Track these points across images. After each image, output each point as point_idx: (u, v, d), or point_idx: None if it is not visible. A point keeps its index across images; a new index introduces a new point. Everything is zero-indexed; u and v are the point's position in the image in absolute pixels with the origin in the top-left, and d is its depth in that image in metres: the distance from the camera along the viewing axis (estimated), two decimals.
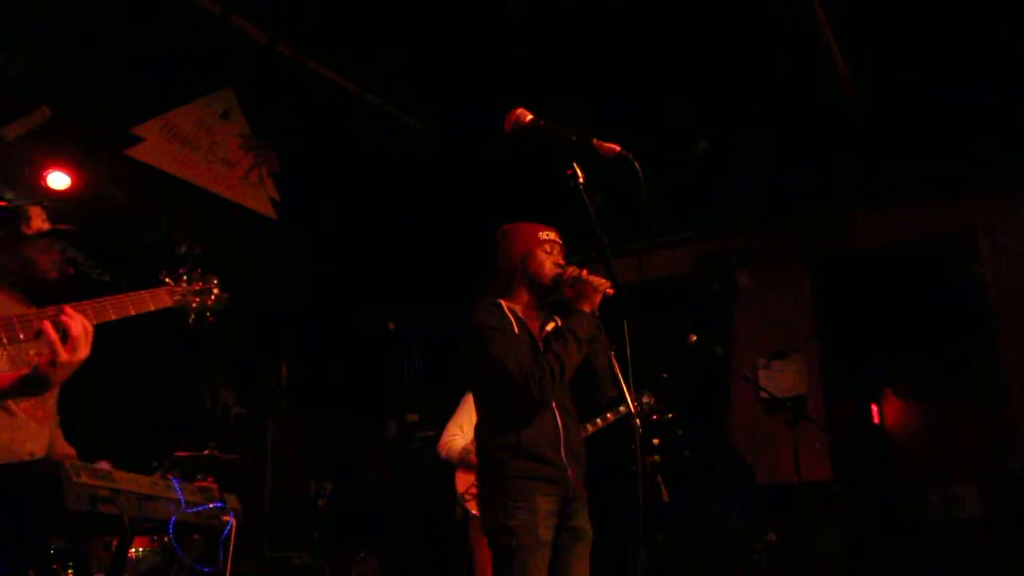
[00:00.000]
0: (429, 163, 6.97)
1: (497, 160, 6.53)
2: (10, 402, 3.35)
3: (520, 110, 2.74)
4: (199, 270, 2.75)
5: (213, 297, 2.74)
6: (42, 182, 5.95)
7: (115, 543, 3.51)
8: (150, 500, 2.95)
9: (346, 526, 7.15)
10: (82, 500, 2.60)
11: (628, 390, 3.15)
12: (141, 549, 4.23)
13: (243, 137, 6.71)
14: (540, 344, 3.45)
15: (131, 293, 2.41)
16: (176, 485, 3.11)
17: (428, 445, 6.39)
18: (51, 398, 3.63)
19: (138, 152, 6.14)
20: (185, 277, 2.69)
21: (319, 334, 7.48)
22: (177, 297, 2.60)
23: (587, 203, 2.43)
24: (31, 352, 2.33)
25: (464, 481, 5.36)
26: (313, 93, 6.46)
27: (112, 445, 3.64)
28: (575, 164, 2.49)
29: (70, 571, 3.33)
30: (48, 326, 2.09)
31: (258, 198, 6.89)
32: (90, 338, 2.17)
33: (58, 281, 3.59)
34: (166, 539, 4.28)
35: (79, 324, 2.13)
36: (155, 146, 6.23)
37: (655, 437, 5.46)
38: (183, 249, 6.57)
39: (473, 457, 4.81)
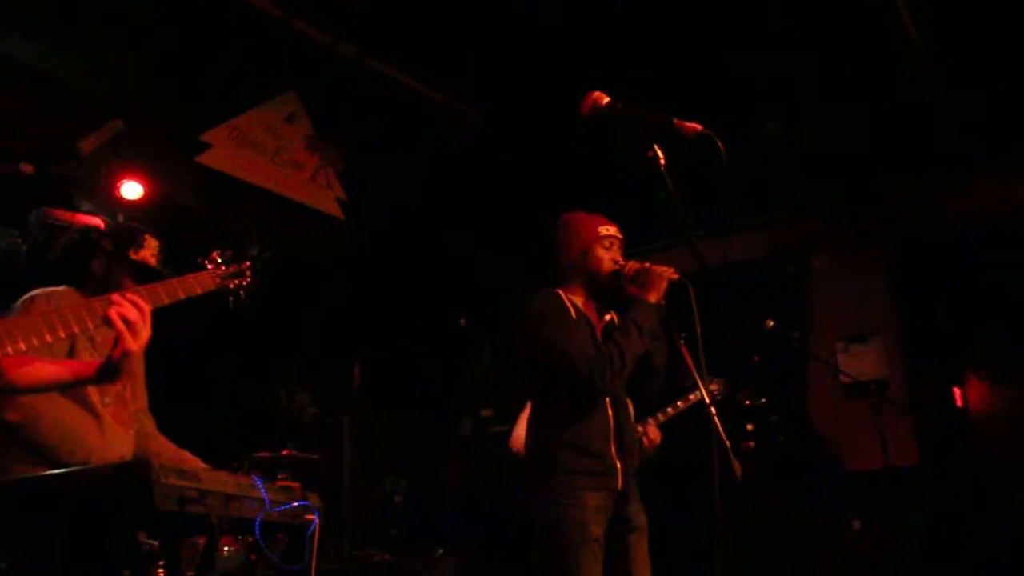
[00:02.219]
0: (493, 157, 6.94)
1: (562, 151, 6.48)
2: (98, 406, 3.43)
3: (597, 93, 2.69)
4: (230, 252, 2.82)
5: (247, 279, 2.82)
6: (116, 193, 6.08)
7: (201, 542, 3.56)
8: (236, 500, 2.96)
9: (423, 523, 7.17)
10: (171, 501, 2.62)
11: (700, 377, 3.09)
12: (227, 548, 4.28)
13: (308, 139, 6.78)
14: (599, 336, 3.41)
15: (178, 278, 2.52)
16: (260, 484, 3.12)
17: (502, 441, 6.37)
18: (134, 403, 3.70)
19: (208, 159, 6.23)
20: (221, 261, 2.77)
21: (391, 332, 7.52)
22: (217, 280, 2.70)
23: (670, 185, 2.38)
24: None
25: None
26: (375, 92, 6.48)
27: (192, 447, 3.69)
28: (656, 146, 2.44)
29: (160, 570, 3.38)
30: (113, 314, 2.22)
31: (325, 199, 6.95)
32: (148, 320, 2.30)
33: None
34: (250, 539, 4.35)
35: (134, 311, 2.26)
36: (224, 152, 6.32)
37: (749, 423, 5.38)
38: (254, 252, 6.67)
39: None
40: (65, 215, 5.87)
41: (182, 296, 2.45)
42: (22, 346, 2.04)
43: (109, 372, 2.30)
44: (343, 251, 7.30)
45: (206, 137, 6.24)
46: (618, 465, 3.28)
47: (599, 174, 6.22)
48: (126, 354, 2.25)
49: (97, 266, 3.62)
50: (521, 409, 5.50)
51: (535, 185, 6.76)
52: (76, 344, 3.31)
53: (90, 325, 2.21)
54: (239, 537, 4.23)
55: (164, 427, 3.90)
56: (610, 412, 3.33)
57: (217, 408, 6.62)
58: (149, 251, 3.65)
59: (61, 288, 3.58)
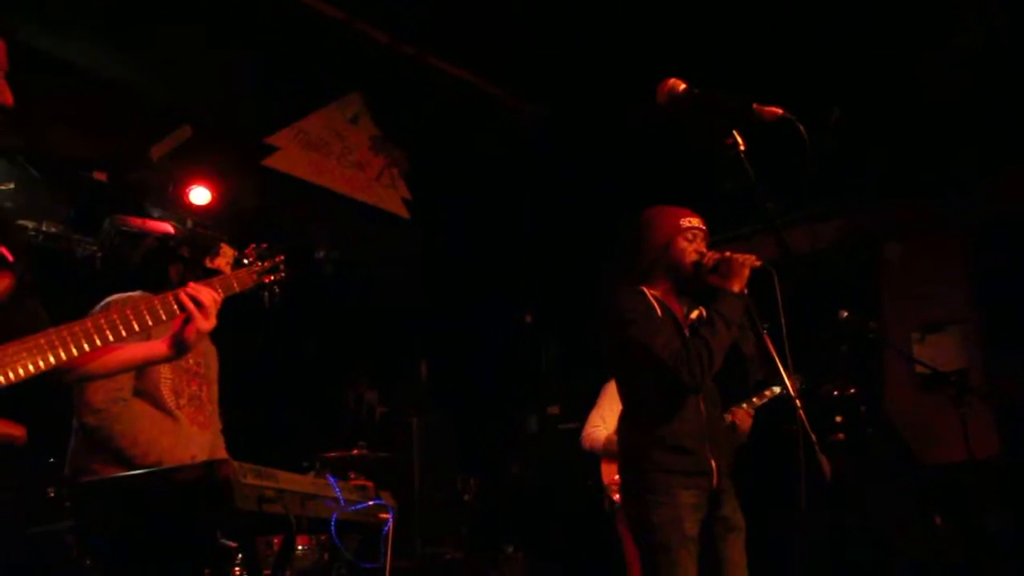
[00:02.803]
0: (558, 151, 6.91)
1: (630, 142, 6.41)
2: (174, 408, 3.48)
3: (673, 80, 2.62)
4: (266, 246, 2.79)
5: (281, 275, 2.78)
6: (185, 198, 6.18)
7: (277, 541, 3.60)
8: (312, 499, 2.98)
9: (493, 521, 7.17)
10: (250, 500, 2.65)
11: (785, 368, 3.02)
12: (300, 547, 4.33)
13: (373, 139, 6.82)
14: (686, 331, 3.35)
15: (219, 276, 2.54)
16: (335, 484, 3.14)
17: (570, 437, 6.34)
18: (211, 405, 3.75)
19: (274, 161, 6.30)
20: (257, 256, 2.76)
21: (457, 330, 7.53)
22: (255, 277, 2.68)
23: (750, 171, 2.31)
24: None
25: (609, 472, 5.30)
26: (437, 90, 6.49)
27: (263, 448, 3.71)
28: (735, 132, 2.37)
29: (237, 568, 3.42)
30: (185, 298, 2.31)
31: (390, 198, 6.98)
32: (218, 308, 2.38)
33: None
34: (323, 537, 4.39)
35: (209, 295, 2.35)
36: (290, 155, 6.38)
37: (838, 415, 5.27)
38: (322, 254, 6.73)
39: (616, 447, 4.76)
40: (137, 222, 5.98)
41: (223, 295, 2.47)
42: (97, 342, 2.10)
43: (179, 348, 2.38)
44: (409, 250, 7.33)
45: (272, 140, 6.30)
46: (712, 463, 3.22)
47: (671, 164, 6.13)
48: (198, 332, 2.34)
49: (174, 273, 3.69)
50: (592, 406, 5.48)
51: (601, 179, 6.70)
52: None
53: (164, 316, 2.29)
54: (312, 536, 4.28)
55: (237, 429, 3.95)
56: (702, 408, 3.27)
57: (287, 409, 6.69)
58: (224, 259, 3.70)
59: (136, 294, 3.64)
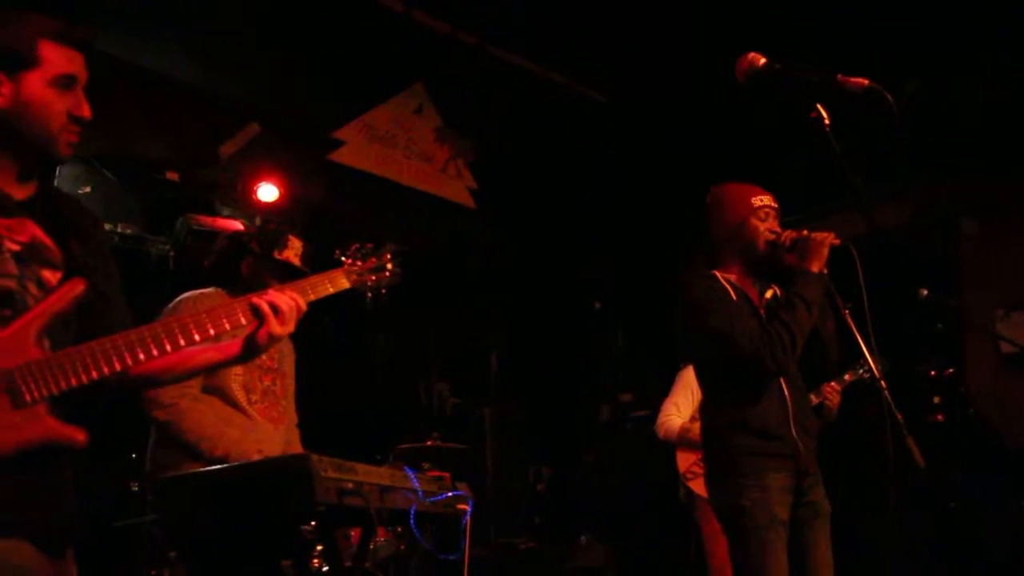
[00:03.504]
0: (622, 136, 6.83)
1: (694, 124, 6.31)
2: (245, 404, 3.52)
3: (752, 54, 2.54)
4: (371, 245, 2.67)
5: (388, 273, 2.67)
6: (253, 196, 6.25)
7: (354, 533, 3.62)
8: (390, 491, 2.99)
9: (567, 510, 7.16)
10: (330, 493, 2.66)
11: (869, 349, 2.94)
12: (379, 539, 4.35)
13: (437, 130, 6.82)
14: (762, 313, 3.28)
15: (308, 278, 2.44)
16: (412, 476, 3.14)
17: (642, 425, 6.29)
18: (285, 400, 3.78)
19: (340, 156, 6.34)
20: (360, 254, 2.63)
21: (526, 319, 7.52)
22: (353, 277, 2.57)
23: (835, 146, 2.23)
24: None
25: (685, 460, 5.24)
26: (499, 78, 6.46)
27: (336, 442, 3.73)
28: (819, 105, 2.29)
29: (315, 560, 3.45)
30: (260, 302, 2.25)
31: (457, 189, 6.99)
32: (298, 314, 2.32)
33: None
34: (399, 529, 4.42)
35: (287, 301, 2.29)
36: (356, 148, 6.42)
37: (936, 395, 5.13)
38: (388, 246, 6.75)
39: (692, 435, 4.68)
40: (208, 220, 6.11)
41: (312, 297, 2.40)
42: (168, 347, 2.08)
43: (250, 351, 2.33)
44: (476, 240, 7.32)
45: (338, 135, 6.34)
46: (800, 445, 3.15)
47: (739, 142, 6.02)
48: (270, 336, 2.27)
49: (245, 267, 3.73)
50: (665, 394, 5.42)
51: (669, 163, 6.61)
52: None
53: (243, 321, 2.25)
54: (390, 527, 4.30)
55: (310, 423, 3.98)
56: (786, 391, 3.20)
57: (360, 402, 6.74)
58: (292, 251, 3.74)
59: (209, 290, 3.70)
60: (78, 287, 2.01)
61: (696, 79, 5.86)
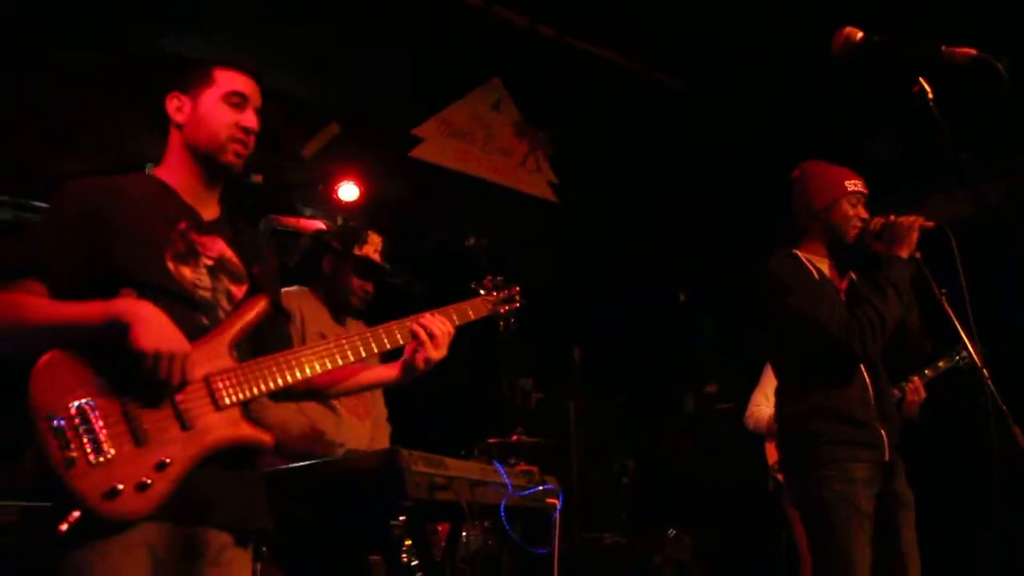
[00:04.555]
0: (703, 124, 6.72)
1: (775, 111, 6.17)
2: (333, 401, 3.55)
3: (849, 28, 2.45)
4: (501, 278, 2.91)
5: (517, 304, 2.91)
6: (334, 195, 6.33)
7: (442, 528, 3.63)
8: (480, 486, 3.01)
9: (653, 504, 7.09)
10: (421, 488, 2.69)
11: (968, 336, 2.84)
12: (466, 533, 4.35)
13: (516, 124, 6.80)
14: (842, 296, 3.19)
15: (454, 305, 2.68)
16: (502, 470, 3.15)
17: (729, 417, 6.20)
18: (371, 395, 3.81)
19: (420, 152, 6.37)
20: (493, 287, 2.88)
21: (609, 311, 7.46)
22: (490, 307, 2.81)
23: (940, 121, 2.14)
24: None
25: (774, 452, 5.16)
26: (578, 70, 6.41)
27: (423, 437, 3.75)
28: (922, 79, 2.19)
29: (404, 555, 3.47)
30: (417, 328, 2.48)
31: (537, 182, 6.97)
32: (450, 338, 2.54)
33: (357, 307, 3.79)
34: (487, 523, 4.43)
35: (440, 326, 2.51)
36: (435, 145, 6.45)
37: None
38: (471, 242, 6.77)
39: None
40: (291, 221, 6.20)
41: (457, 323, 2.62)
42: (339, 361, 2.34)
43: (408, 375, 2.54)
44: (558, 233, 7.29)
45: (417, 132, 6.37)
46: (883, 434, 3.05)
47: (822, 128, 5.87)
48: (427, 360, 2.47)
49: (327, 265, 3.82)
50: (751, 384, 5.33)
51: (750, 150, 6.48)
52: (306, 342, 3.47)
53: (401, 341, 2.48)
54: (478, 522, 4.30)
55: (395, 420, 4.00)
56: (867, 378, 3.10)
57: (445, 398, 6.77)
58: (372, 247, 3.81)
59: (293, 288, 3.79)
60: (263, 303, 2.27)
61: (778, 62, 5.73)
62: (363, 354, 2.37)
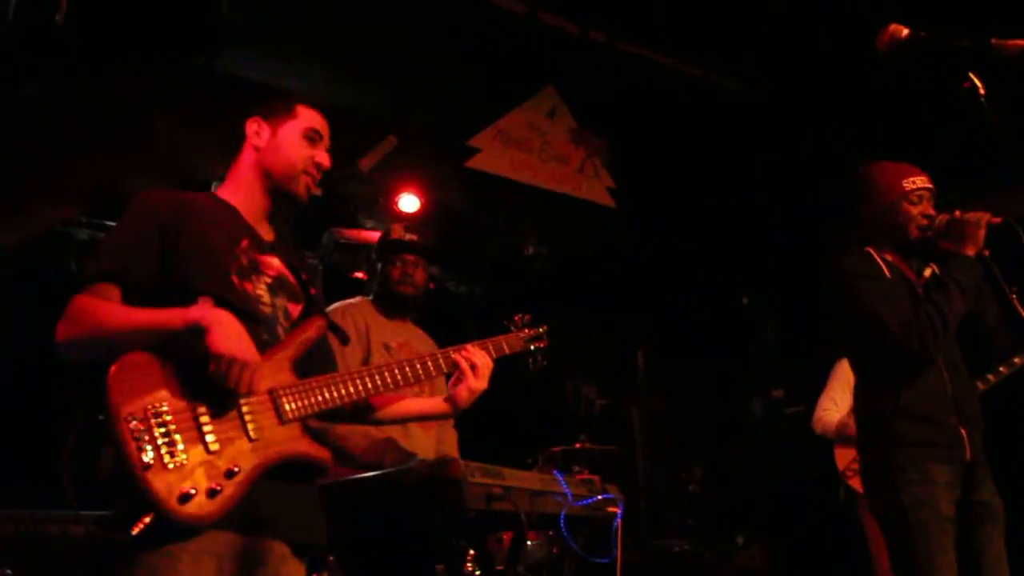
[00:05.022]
0: (761, 126, 6.63)
1: (837, 107, 6.06)
2: None
3: (894, 25, 2.38)
4: (530, 316, 3.02)
5: (545, 343, 3.02)
6: (395, 207, 6.39)
7: (506, 537, 3.64)
8: (540, 495, 3.02)
9: (721, 511, 7.00)
10: (479, 498, 2.71)
11: None
12: (530, 542, 4.35)
13: (571, 131, 6.79)
14: (920, 291, 3.11)
15: (492, 339, 2.80)
16: (561, 479, 3.15)
17: (797, 421, 6.10)
18: None
19: (477, 163, 6.40)
20: (523, 324, 2.98)
21: (671, 317, 7.40)
22: (522, 343, 2.91)
23: (991, 117, 2.07)
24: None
25: (844, 457, 5.06)
26: (632, 74, 6.38)
27: (487, 446, 3.77)
28: (972, 75, 2.12)
29: (468, 564, 3.48)
30: (460, 358, 2.57)
31: (595, 189, 6.94)
32: (490, 372, 2.62)
33: (416, 298, 3.85)
34: (551, 532, 4.42)
35: (482, 357, 2.60)
36: (492, 155, 6.47)
37: None
38: (530, 250, 6.79)
39: (850, 430, 4.47)
40: (353, 233, 6.30)
41: (495, 356, 2.71)
42: (389, 382, 2.41)
43: (454, 408, 2.61)
44: (617, 239, 7.26)
45: (473, 142, 6.40)
46: (963, 433, 2.95)
47: (887, 123, 5.74)
48: (470, 391, 2.56)
49: (371, 271, 4.03)
50: (820, 387, 5.25)
51: (811, 150, 6.37)
52: (371, 353, 3.54)
53: (445, 370, 2.57)
54: (541, 531, 4.30)
55: (462, 429, 4.02)
56: (946, 376, 3.01)
57: (509, 406, 6.78)
58: (396, 233, 3.95)
59: (356, 300, 3.90)
60: (322, 323, 2.36)
61: (839, 59, 5.63)
62: (411, 380, 2.45)
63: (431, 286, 4.22)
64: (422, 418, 2.77)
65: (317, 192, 2.49)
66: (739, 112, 6.63)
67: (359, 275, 5.76)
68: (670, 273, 7.40)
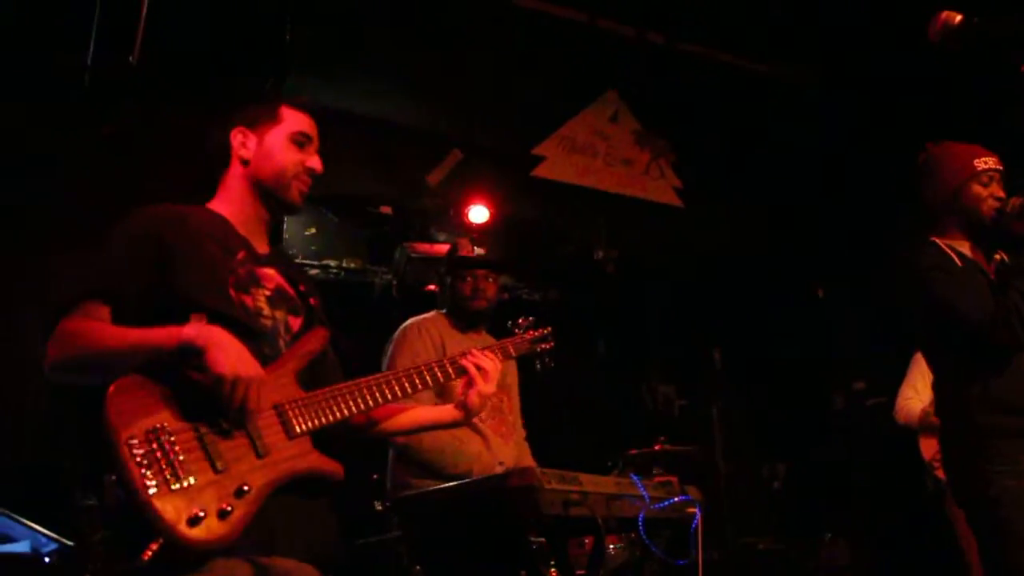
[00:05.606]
0: (828, 118, 6.54)
1: (908, 91, 5.95)
2: (477, 422, 3.65)
3: (946, 13, 2.34)
4: (534, 319, 3.03)
5: (551, 344, 3.01)
6: (464, 219, 6.48)
7: (588, 542, 3.67)
8: (617, 499, 3.02)
9: (806, 507, 6.91)
10: (556, 504, 2.73)
11: None
12: (612, 546, 4.37)
13: (635, 134, 6.80)
14: (992, 279, 3.03)
15: (497, 342, 2.85)
16: (639, 482, 3.15)
17: (880, 412, 5.99)
18: (512, 417, 3.90)
19: (543, 171, 6.45)
20: (528, 326, 2.99)
21: (746, 313, 7.34)
22: (528, 346, 2.93)
23: None
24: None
25: (929, 447, 4.95)
26: (693, 74, 6.36)
27: (567, 452, 3.80)
28: None
29: (553, 570, 3.51)
30: (467, 363, 2.54)
31: (662, 189, 6.93)
32: (498, 374, 2.59)
33: (489, 310, 3.88)
34: (633, 535, 4.43)
35: (489, 361, 2.57)
36: (557, 162, 6.51)
37: None
38: (601, 254, 6.80)
39: (934, 419, 4.38)
40: (424, 247, 6.39)
41: (503, 359, 2.72)
42: (388, 398, 2.35)
43: (466, 415, 2.58)
44: (688, 238, 7.24)
45: (538, 151, 6.45)
46: None
47: (959, 105, 5.61)
48: (480, 395, 2.53)
49: (442, 286, 4.01)
50: (902, 377, 5.15)
51: (884, 137, 6.26)
52: None
53: (453, 376, 2.54)
54: (623, 534, 4.32)
55: (541, 434, 4.07)
56: None
57: (587, 410, 6.81)
58: (465, 249, 3.94)
59: (430, 314, 3.93)
60: (325, 335, 2.30)
61: (905, 46, 5.53)
62: (420, 387, 2.42)
63: (504, 296, 4.26)
64: (434, 427, 2.73)
65: (307, 192, 2.41)
66: (800, 103, 6.56)
67: (432, 288, 5.84)
68: (742, 269, 7.34)
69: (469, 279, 3.84)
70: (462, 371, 2.54)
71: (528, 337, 2.94)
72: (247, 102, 2.46)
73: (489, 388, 2.54)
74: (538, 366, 3.00)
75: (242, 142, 2.37)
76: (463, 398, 2.55)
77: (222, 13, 4.84)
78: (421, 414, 2.64)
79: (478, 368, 2.53)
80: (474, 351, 2.58)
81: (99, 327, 2.05)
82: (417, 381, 2.40)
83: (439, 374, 2.48)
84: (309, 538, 2.12)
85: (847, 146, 6.55)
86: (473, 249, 3.91)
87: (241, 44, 4.88)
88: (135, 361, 1.97)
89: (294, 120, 2.40)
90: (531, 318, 3.02)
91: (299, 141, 2.38)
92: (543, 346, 2.97)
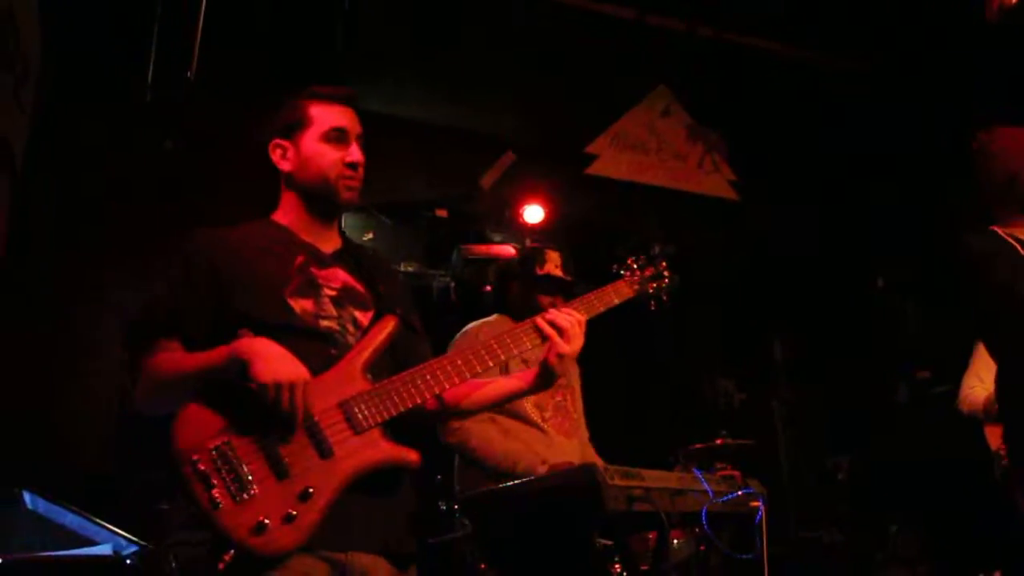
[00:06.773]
0: (884, 103, 6.46)
1: (962, 77, 5.86)
2: (539, 421, 3.68)
3: None
4: (643, 256, 2.77)
5: (666, 280, 2.77)
6: (519, 219, 6.51)
7: (652, 537, 3.68)
8: (680, 494, 3.03)
9: (872, 498, 6.83)
10: (620, 500, 2.75)
11: None
12: (675, 540, 4.38)
13: (688, 128, 6.79)
14: None
15: (595, 291, 2.57)
16: (701, 477, 3.17)
17: (946, 401, 5.90)
18: (576, 415, 3.92)
19: (596, 169, 6.47)
20: (637, 266, 2.74)
21: (805, 304, 7.28)
22: (636, 287, 2.68)
23: None
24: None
25: (996, 436, 4.86)
26: (744, 65, 6.33)
27: (629, 449, 3.81)
28: None
29: (617, 565, 3.54)
30: (542, 323, 2.37)
31: (716, 183, 6.91)
32: (583, 328, 2.41)
33: None
34: (697, 529, 4.43)
35: (566, 318, 2.38)
36: (610, 159, 6.53)
37: None
38: (657, 251, 6.79)
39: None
40: (481, 249, 6.44)
41: (601, 309, 2.53)
42: (456, 380, 2.26)
43: (546, 377, 2.44)
44: (744, 231, 7.20)
45: (590, 149, 6.47)
46: None
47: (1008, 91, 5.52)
48: (559, 356, 2.37)
49: (514, 290, 3.93)
50: (966, 365, 5.08)
51: (939, 123, 6.17)
52: (509, 367, 3.58)
53: (528, 345, 2.39)
54: (687, 529, 4.33)
55: (602, 431, 4.09)
56: None
57: (648, 405, 6.81)
58: (552, 263, 3.89)
59: (492, 317, 3.92)
60: (391, 323, 2.26)
61: (951, 29, 5.46)
62: (490, 364, 2.30)
63: None
64: (511, 397, 2.56)
65: (358, 186, 2.37)
66: (852, 90, 6.49)
67: (489, 289, 5.89)
68: (800, 261, 7.28)
69: (549, 299, 3.72)
70: (540, 332, 2.38)
71: (636, 278, 2.70)
72: (275, 109, 2.43)
73: (570, 347, 2.37)
74: (652, 306, 2.76)
75: (281, 155, 2.37)
76: (544, 360, 2.40)
77: (275, 25, 4.95)
78: (501, 385, 2.54)
79: (556, 328, 2.37)
80: (552, 311, 2.41)
81: (169, 360, 2.14)
82: (486, 356, 2.30)
83: (512, 346, 2.35)
84: (385, 532, 2.13)
85: (902, 133, 6.46)
86: (564, 274, 3.82)
87: (294, 55, 4.98)
88: (200, 384, 2.05)
89: (324, 117, 2.35)
90: (643, 256, 2.77)
91: (333, 138, 2.34)
92: (655, 284, 2.74)
